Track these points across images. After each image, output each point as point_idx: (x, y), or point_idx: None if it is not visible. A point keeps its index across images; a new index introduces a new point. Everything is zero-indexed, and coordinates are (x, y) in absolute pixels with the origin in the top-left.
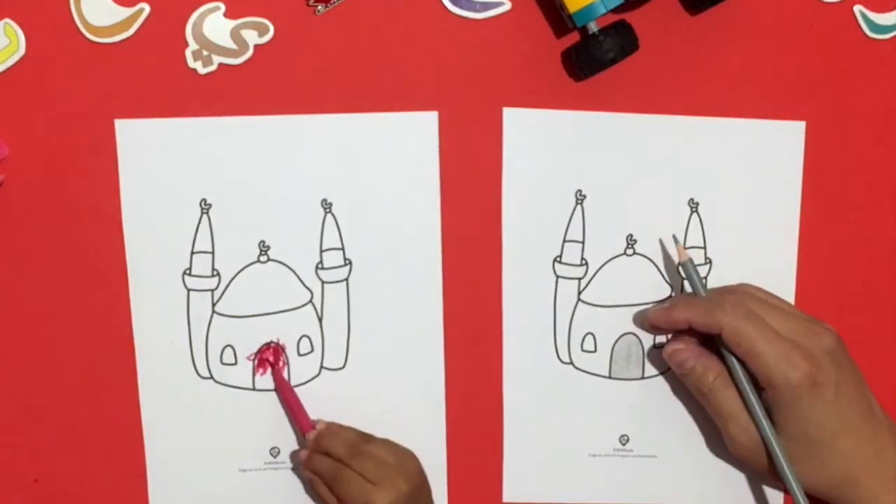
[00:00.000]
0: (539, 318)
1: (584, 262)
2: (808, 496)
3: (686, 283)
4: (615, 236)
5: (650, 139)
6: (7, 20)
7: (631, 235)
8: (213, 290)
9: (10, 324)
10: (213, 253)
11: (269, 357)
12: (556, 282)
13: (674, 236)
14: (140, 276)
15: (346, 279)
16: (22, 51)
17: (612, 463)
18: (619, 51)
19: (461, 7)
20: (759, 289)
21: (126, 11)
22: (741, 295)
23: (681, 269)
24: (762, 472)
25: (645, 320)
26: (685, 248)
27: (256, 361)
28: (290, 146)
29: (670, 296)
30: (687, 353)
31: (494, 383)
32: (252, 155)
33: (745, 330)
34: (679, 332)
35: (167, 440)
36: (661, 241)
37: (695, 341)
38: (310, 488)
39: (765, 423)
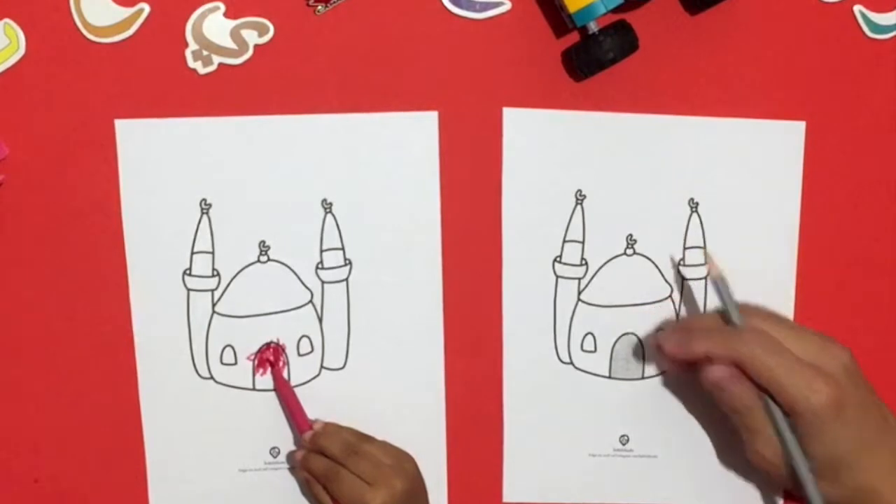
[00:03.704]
0: (539, 318)
1: (584, 262)
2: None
3: (685, 284)
4: (615, 236)
5: (650, 139)
6: (7, 20)
7: (631, 235)
8: (213, 290)
9: (10, 324)
10: (213, 253)
11: (269, 357)
12: (556, 282)
13: (705, 252)
14: (140, 276)
15: (346, 279)
16: (22, 51)
17: (612, 463)
18: (619, 51)
19: (461, 7)
20: (760, 308)
21: (126, 11)
22: (752, 318)
23: (713, 284)
24: (780, 483)
25: (659, 349)
26: (686, 248)
27: (256, 361)
28: (290, 146)
29: (670, 295)
30: (726, 376)
31: (494, 383)
32: (252, 155)
33: (766, 361)
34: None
35: (167, 440)
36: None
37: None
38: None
39: (794, 448)
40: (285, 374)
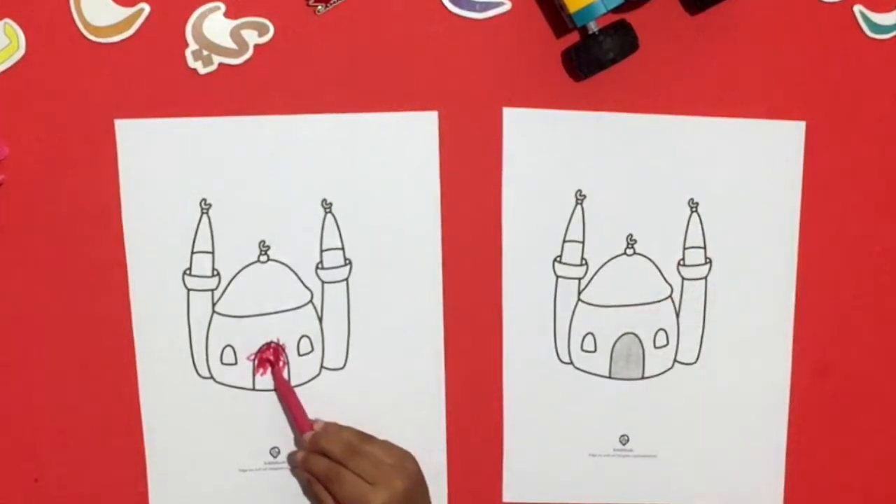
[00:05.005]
0: (539, 318)
1: (584, 262)
2: None
3: (685, 284)
4: (615, 236)
5: (650, 139)
6: (7, 20)
7: (631, 235)
8: (213, 290)
9: (10, 323)
10: (213, 253)
11: (270, 357)
12: (556, 282)
13: None
14: (140, 276)
15: (346, 279)
16: (22, 51)
17: (612, 463)
18: (619, 51)
19: (461, 7)
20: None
21: (126, 11)
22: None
23: None
24: None
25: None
26: (686, 248)
27: (256, 361)
28: (290, 146)
29: (670, 295)
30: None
31: (494, 383)
32: (252, 155)
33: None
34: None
35: (167, 440)
36: None
37: None
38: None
39: None
40: (285, 374)
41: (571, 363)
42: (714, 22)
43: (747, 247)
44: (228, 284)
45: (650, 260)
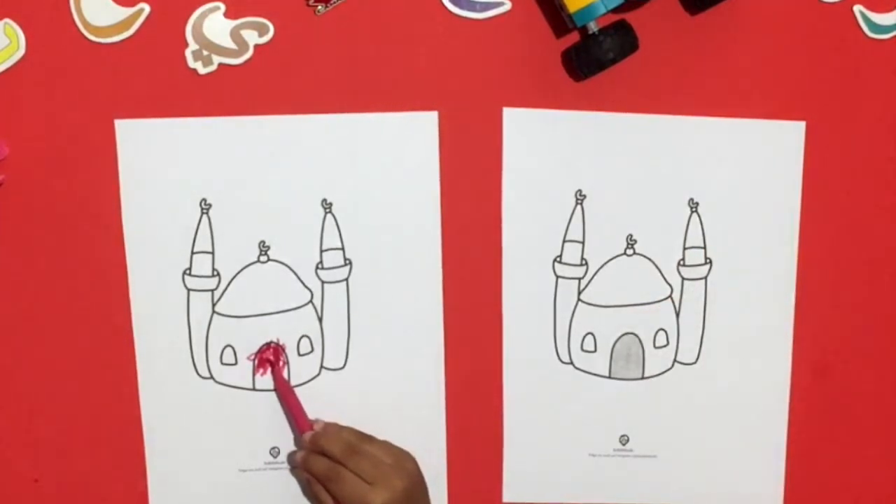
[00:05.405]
0: (539, 318)
1: (584, 262)
2: None
3: (685, 284)
4: (615, 236)
5: (650, 139)
6: (7, 20)
7: (631, 235)
8: (213, 290)
9: (10, 324)
10: (213, 253)
11: (270, 357)
12: (556, 282)
13: None
14: (140, 276)
15: (346, 279)
16: (22, 51)
17: (612, 463)
18: (619, 51)
19: (461, 7)
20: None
21: (126, 11)
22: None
23: None
24: None
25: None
26: (686, 248)
27: (256, 361)
28: (290, 146)
29: (670, 295)
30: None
31: (494, 384)
32: (252, 155)
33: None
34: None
35: (167, 440)
36: None
37: None
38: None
39: None
40: (285, 374)
41: (571, 363)
42: (714, 22)
43: (747, 247)
44: (228, 284)
45: (650, 260)
